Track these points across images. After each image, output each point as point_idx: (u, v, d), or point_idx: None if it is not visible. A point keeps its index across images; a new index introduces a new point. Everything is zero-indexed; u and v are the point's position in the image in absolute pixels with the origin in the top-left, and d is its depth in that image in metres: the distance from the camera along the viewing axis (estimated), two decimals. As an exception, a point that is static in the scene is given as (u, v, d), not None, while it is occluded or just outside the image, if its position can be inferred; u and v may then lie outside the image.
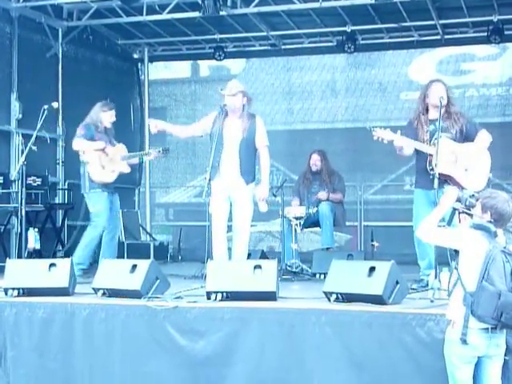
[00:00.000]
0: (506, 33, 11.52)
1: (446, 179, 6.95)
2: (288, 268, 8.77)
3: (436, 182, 6.54)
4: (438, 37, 12.18)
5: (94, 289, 6.62)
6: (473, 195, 4.75)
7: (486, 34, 11.60)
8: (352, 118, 13.23)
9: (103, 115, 8.56)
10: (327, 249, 9.44)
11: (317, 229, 9.89)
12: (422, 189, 7.17)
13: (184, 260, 12.36)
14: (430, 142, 7.09)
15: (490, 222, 4.54)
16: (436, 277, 6.45)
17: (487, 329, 4.42)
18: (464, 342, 4.43)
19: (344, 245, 12.39)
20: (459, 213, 4.73)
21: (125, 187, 12.71)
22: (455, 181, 6.99)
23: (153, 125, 7.99)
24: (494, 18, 11.21)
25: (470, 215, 4.69)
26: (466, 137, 7.17)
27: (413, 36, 12.45)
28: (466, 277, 4.48)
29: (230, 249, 7.72)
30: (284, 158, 12.88)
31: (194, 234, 12.70)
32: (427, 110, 7.31)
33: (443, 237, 4.71)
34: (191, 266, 10.16)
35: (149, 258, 11.74)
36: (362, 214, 12.64)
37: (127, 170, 8.66)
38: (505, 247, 4.45)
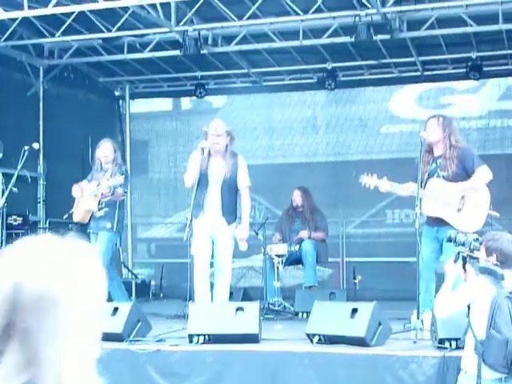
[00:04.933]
0: (484, 69, 11.64)
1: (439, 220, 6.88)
2: (270, 306, 8.74)
3: (417, 222, 6.53)
4: (418, 73, 12.30)
5: (74, 332, 6.56)
6: (477, 239, 4.72)
7: (465, 70, 11.71)
8: (333, 153, 13.28)
9: (97, 152, 8.52)
10: (310, 287, 9.42)
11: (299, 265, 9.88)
12: (426, 225, 6.95)
13: (166, 297, 12.29)
14: (426, 183, 6.94)
15: (497, 264, 4.51)
16: (418, 317, 6.44)
17: (500, 379, 4.36)
18: None
19: (327, 279, 12.36)
20: (463, 257, 4.70)
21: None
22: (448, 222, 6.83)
23: None
24: (473, 55, 11.33)
25: (475, 258, 4.66)
26: (466, 173, 6.92)
27: (393, 72, 12.58)
28: (476, 325, 4.44)
29: (212, 283, 7.70)
30: (265, 193, 12.88)
31: (176, 270, 12.64)
32: (431, 148, 7.12)
33: (458, 301, 4.60)
34: (173, 303, 10.10)
35: (130, 296, 11.74)
36: (344, 249, 12.64)
37: (91, 206, 8.34)
38: (510, 292, 4.40)
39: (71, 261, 1.36)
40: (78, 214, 8.48)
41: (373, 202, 12.48)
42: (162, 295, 12.40)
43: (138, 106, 14.33)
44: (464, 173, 6.93)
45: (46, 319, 1.29)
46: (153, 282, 12.79)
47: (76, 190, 8.53)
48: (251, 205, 8.19)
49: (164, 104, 14.68)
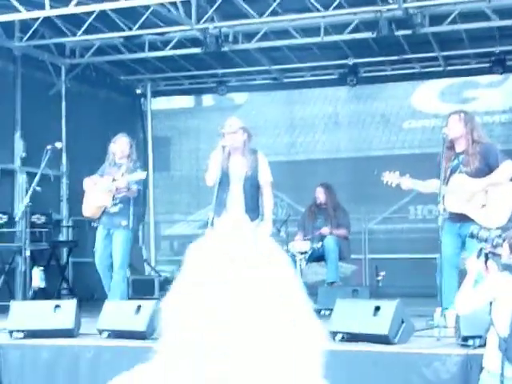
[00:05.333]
0: (508, 63, 11.54)
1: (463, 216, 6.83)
2: (293, 304, 8.71)
3: (440, 220, 6.48)
4: (440, 68, 12.22)
5: (98, 330, 6.60)
6: (500, 235, 4.68)
7: (488, 64, 11.63)
8: (355, 150, 13.22)
9: (112, 147, 8.45)
10: (332, 283, 9.39)
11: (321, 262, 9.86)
12: (448, 220, 6.82)
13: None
14: (448, 180, 6.88)
15: None
16: (441, 314, 6.40)
17: None
18: None
19: (349, 275, 12.32)
20: (486, 254, 4.66)
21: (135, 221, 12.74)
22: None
23: None
24: (496, 50, 11.25)
25: (498, 255, 4.62)
26: (489, 169, 6.84)
27: (414, 68, 12.50)
28: (499, 321, 4.41)
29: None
30: (288, 190, 12.86)
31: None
32: (453, 144, 7.05)
33: (479, 298, 4.57)
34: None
35: (153, 293, 11.77)
36: (367, 245, 12.58)
37: (105, 202, 8.23)
38: None
39: None
40: (90, 209, 8.39)
41: (395, 198, 12.41)
42: (185, 292, 12.41)
43: (160, 103, 14.36)
44: (487, 168, 6.85)
45: None
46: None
47: (88, 182, 8.44)
48: (274, 201, 8.16)
49: (186, 101, 14.69)
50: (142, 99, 14.14)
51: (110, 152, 8.49)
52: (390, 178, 7.15)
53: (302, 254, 9.12)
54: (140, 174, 8.19)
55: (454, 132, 6.94)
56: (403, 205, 12.78)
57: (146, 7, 9.69)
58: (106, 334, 6.53)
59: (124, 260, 8.31)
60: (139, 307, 6.51)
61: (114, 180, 8.21)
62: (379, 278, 9.41)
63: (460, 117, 7.01)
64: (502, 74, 11.69)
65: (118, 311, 6.70)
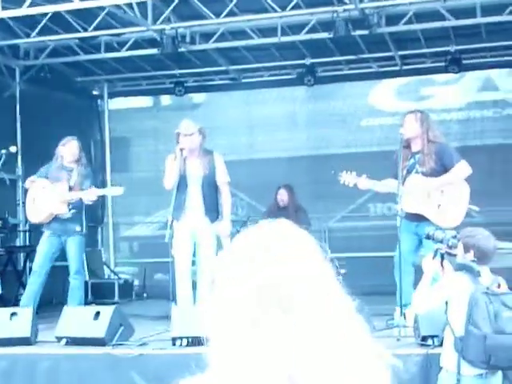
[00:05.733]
0: (463, 62, 11.63)
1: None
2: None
3: (398, 220, 6.51)
4: (397, 67, 12.29)
5: (56, 337, 6.51)
6: (455, 236, 4.72)
7: (444, 63, 11.70)
8: (313, 148, 13.23)
9: (62, 149, 8.28)
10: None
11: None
12: (405, 219, 6.84)
13: (149, 297, 12.23)
14: (405, 180, 6.96)
15: (474, 260, 4.51)
16: (401, 314, 6.43)
17: (481, 374, 4.36)
18: None
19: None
20: (441, 254, 4.69)
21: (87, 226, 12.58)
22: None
23: None
24: (452, 48, 11.32)
25: (454, 255, 4.66)
26: (445, 169, 6.97)
27: (371, 67, 12.55)
28: (455, 321, 4.44)
29: (194, 282, 7.64)
30: (247, 189, 12.85)
31: (159, 270, 12.58)
32: (409, 144, 7.15)
33: (435, 298, 4.59)
34: (157, 304, 10.08)
35: (113, 296, 11.68)
36: (327, 244, 12.60)
37: (60, 210, 8.09)
38: (488, 288, 4.40)
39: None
40: (39, 215, 8.19)
41: (355, 196, 12.45)
42: (145, 295, 12.34)
43: (117, 104, 14.23)
44: (442, 168, 6.96)
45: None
46: (136, 282, 12.72)
47: (34, 185, 8.26)
48: (232, 201, 8.15)
49: (143, 101, 14.57)
50: (99, 100, 13.99)
51: (58, 155, 8.31)
52: (347, 178, 7.22)
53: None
54: (117, 190, 8.12)
55: (410, 132, 7.03)
56: (362, 203, 12.83)
57: (102, 8, 9.57)
58: (64, 341, 6.43)
59: (81, 265, 8.24)
60: (98, 313, 6.44)
61: (70, 190, 8.10)
62: (340, 277, 9.39)
63: (416, 116, 7.08)
64: (457, 72, 11.78)
65: (77, 317, 6.62)
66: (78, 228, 8.19)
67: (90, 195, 8.00)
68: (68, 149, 8.29)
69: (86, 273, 11.91)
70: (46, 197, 8.16)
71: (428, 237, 5.01)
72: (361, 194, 11.93)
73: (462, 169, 6.98)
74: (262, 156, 13.46)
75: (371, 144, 13.10)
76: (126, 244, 14.56)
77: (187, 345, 6.04)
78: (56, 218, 8.14)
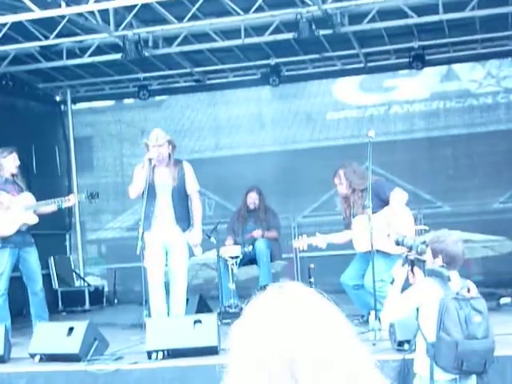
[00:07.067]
0: (427, 58, 11.74)
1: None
2: (227, 309, 8.68)
3: (371, 226, 6.67)
4: (361, 65, 12.32)
5: (30, 354, 6.43)
6: (424, 241, 4.74)
7: (407, 59, 11.80)
8: (280, 145, 13.22)
9: (3, 161, 8.00)
10: (265, 287, 9.34)
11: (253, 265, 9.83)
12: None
13: (120, 303, 12.18)
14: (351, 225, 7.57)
15: (443, 266, 4.53)
16: (376, 317, 6.44)
17: (455, 379, 4.38)
18: None
19: (280, 271, 12.32)
20: (411, 261, 4.71)
21: (54, 233, 12.46)
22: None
23: None
24: (415, 45, 11.38)
25: (423, 261, 4.67)
26: (383, 202, 7.32)
27: (336, 65, 12.58)
28: (426, 327, 4.45)
29: (167, 282, 7.59)
30: (214, 188, 12.83)
31: (128, 274, 12.49)
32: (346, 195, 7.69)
33: (406, 304, 4.61)
34: (128, 310, 10.03)
35: (84, 304, 11.60)
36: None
37: (32, 220, 7.96)
38: (457, 293, 4.42)
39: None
40: (12, 226, 7.87)
41: (323, 191, 12.45)
42: (116, 301, 12.28)
43: (81, 109, 14.08)
44: (382, 202, 7.33)
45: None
46: (106, 289, 12.63)
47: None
48: (202, 206, 8.11)
49: (107, 104, 14.42)
50: (62, 106, 13.83)
51: (3, 167, 8.02)
52: (300, 243, 7.64)
53: (233, 258, 9.08)
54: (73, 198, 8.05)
55: (341, 191, 7.66)
56: (330, 197, 12.83)
57: (63, 16, 9.44)
58: (38, 357, 6.36)
59: (40, 276, 8.14)
60: (71, 329, 6.37)
61: (38, 204, 8.02)
62: (311, 279, 9.40)
63: (339, 178, 7.61)
64: (421, 68, 11.87)
65: (50, 334, 6.54)
66: (32, 238, 8.10)
67: (43, 210, 8.03)
68: (13, 160, 8.05)
69: (56, 281, 11.83)
70: (14, 208, 7.98)
71: (397, 243, 5.03)
72: (329, 189, 11.99)
73: (398, 197, 7.34)
74: (228, 153, 13.42)
75: (337, 138, 13.15)
76: (94, 247, 14.44)
77: (163, 358, 6.00)
78: (17, 231, 7.94)
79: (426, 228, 7.58)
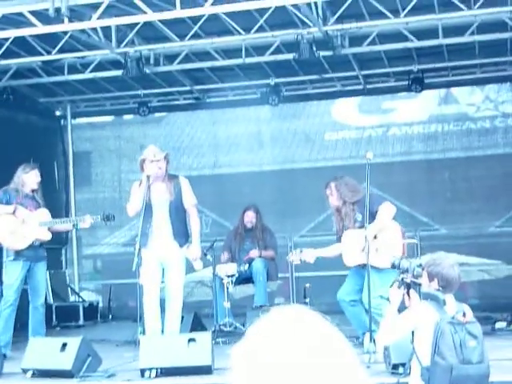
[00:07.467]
0: (425, 81, 11.79)
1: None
2: (221, 327, 8.66)
3: (366, 246, 6.72)
4: (360, 86, 12.39)
5: (23, 369, 6.41)
6: (420, 264, 4.74)
7: (406, 82, 11.85)
8: (278, 164, 13.25)
9: (25, 177, 8.06)
10: (261, 307, 9.34)
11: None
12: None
13: (114, 319, 12.13)
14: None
15: (438, 289, 4.53)
16: (371, 340, 6.43)
17: None
18: None
19: (276, 291, 12.30)
20: (407, 284, 4.71)
21: (50, 247, 12.42)
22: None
23: None
24: (414, 68, 11.45)
25: (419, 284, 4.67)
26: (373, 216, 7.25)
27: (335, 86, 12.65)
28: (421, 351, 4.44)
29: (162, 299, 7.58)
30: (212, 205, 12.82)
31: (124, 290, 12.46)
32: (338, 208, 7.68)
33: (401, 327, 4.59)
34: (122, 326, 9.99)
35: (78, 319, 11.56)
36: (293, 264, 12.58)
37: (46, 236, 8.02)
38: (453, 317, 4.41)
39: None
40: (23, 241, 7.94)
41: (319, 211, 12.46)
42: (110, 317, 12.23)
43: (81, 124, 14.12)
44: (371, 216, 7.24)
45: None
46: (101, 304, 12.59)
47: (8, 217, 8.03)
48: (199, 220, 8.10)
49: (107, 120, 14.44)
50: (63, 121, 13.87)
51: (20, 181, 8.06)
52: (293, 257, 7.71)
53: (229, 277, 9.06)
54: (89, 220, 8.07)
55: (333, 203, 7.62)
56: (328, 216, 12.82)
57: (65, 31, 9.49)
58: (30, 373, 6.34)
59: (44, 293, 8.17)
60: (65, 344, 6.35)
61: (51, 221, 8.07)
62: (307, 299, 9.38)
63: (331, 190, 7.59)
64: (420, 91, 11.91)
65: (43, 349, 6.51)
66: (44, 253, 8.17)
67: (57, 228, 8.15)
68: (35, 176, 8.12)
69: (51, 295, 11.79)
70: (29, 223, 8.00)
71: (393, 266, 5.03)
72: (326, 209, 12.00)
73: (387, 211, 7.29)
74: (226, 172, 13.44)
75: (334, 158, 13.17)
76: (90, 262, 14.42)
77: (156, 376, 5.98)
78: (31, 246, 7.99)
79: (415, 241, 7.59)
